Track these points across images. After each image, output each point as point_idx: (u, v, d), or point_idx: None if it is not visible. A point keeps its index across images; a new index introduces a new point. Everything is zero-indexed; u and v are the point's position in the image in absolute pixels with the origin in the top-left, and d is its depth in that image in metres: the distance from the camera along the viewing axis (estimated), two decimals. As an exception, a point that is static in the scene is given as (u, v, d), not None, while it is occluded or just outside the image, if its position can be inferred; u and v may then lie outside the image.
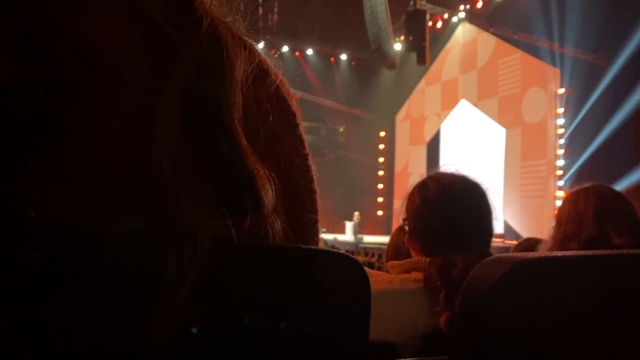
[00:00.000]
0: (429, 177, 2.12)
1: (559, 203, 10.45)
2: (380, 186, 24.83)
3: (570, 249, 2.25)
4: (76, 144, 0.46)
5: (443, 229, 1.99)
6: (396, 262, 2.06)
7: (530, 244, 3.54)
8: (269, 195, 0.54)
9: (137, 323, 0.44)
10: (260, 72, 0.62)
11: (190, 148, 0.51)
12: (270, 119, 0.62)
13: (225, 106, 0.53)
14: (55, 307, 0.42)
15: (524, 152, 16.78)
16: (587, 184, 2.49)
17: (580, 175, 13.90)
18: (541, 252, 0.86)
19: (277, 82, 0.65)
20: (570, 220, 2.35)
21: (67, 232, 0.44)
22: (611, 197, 2.37)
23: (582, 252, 0.87)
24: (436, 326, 1.84)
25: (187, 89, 0.51)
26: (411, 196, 2.10)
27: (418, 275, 1.95)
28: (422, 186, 2.09)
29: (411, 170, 22.49)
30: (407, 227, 2.11)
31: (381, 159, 24.92)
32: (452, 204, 2.00)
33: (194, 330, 0.47)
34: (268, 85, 0.63)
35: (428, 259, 1.96)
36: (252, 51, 0.62)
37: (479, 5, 18.44)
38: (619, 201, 2.38)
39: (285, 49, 22.31)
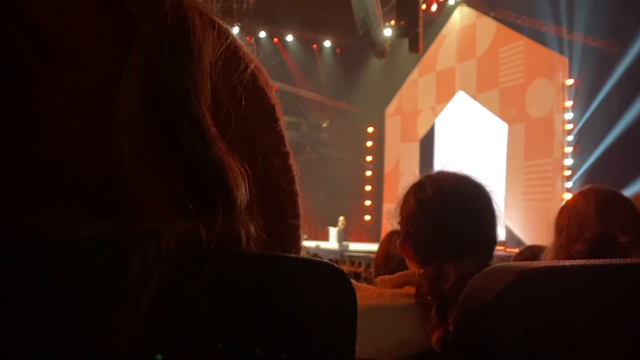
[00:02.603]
0: (427, 177, 2.11)
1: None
2: (368, 188, 24.88)
3: (576, 252, 2.31)
4: (25, 136, 0.45)
5: (438, 235, 1.98)
6: (386, 277, 2.05)
7: (533, 252, 3.57)
8: (241, 190, 0.53)
9: (92, 342, 0.44)
10: (233, 57, 0.61)
11: (153, 137, 0.50)
12: (246, 110, 0.61)
13: (192, 90, 0.52)
14: (4, 323, 0.42)
15: (528, 150, 16.86)
16: (582, 188, 2.57)
17: (590, 176, 13.97)
18: (546, 261, 0.87)
19: (254, 70, 0.64)
20: (572, 223, 2.41)
21: (13, 241, 0.43)
22: (610, 195, 2.46)
23: (590, 261, 0.87)
24: (431, 346, 1.84)
25: (148, 70, 0.50)
26: (406, 197, 2.10)
27: (411, 290, 1.94)
28: (418, 186, 2.09)
29: (402, 170, 22.55)
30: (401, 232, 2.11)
31: (369, 158, 24.98)
32: (449, 207, 1.99)
33: (160, 350, 0.46)
34: (242, 73, 0.62)
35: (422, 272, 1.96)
36: (223, 33, 0.60)
37: (478, -14, 18.53)
38: (619, 198, 2.47)
39: (262, 34, 22.31)
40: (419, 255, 2.02)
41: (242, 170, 0.54)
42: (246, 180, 0.54)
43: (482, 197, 2.04)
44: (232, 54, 0.61)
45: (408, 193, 2.10)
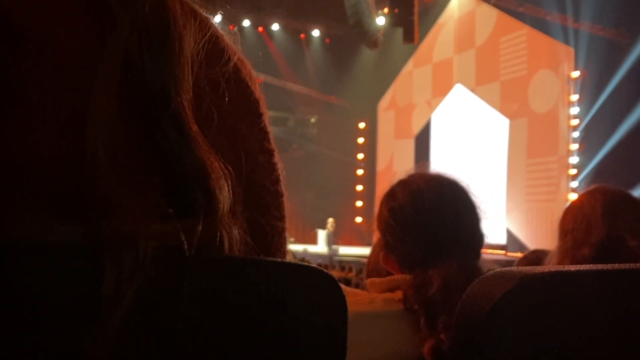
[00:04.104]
0: (398, 183, 2.11)
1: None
2: (359, 188, 24.86)
3: (582, 256, 2.30)
4: None
5: (415, 242, 1.97)
6: (377, 280, 2.05)
7: (538, 256, 3.56)
8: (224, 193, 0.52)
9: (66, 354, 0.43)
10: (214, 49, 0.61)
11: (130, 136, 0.49)
12: (228, 105, 0.60)
13: (173, 85, 0.51)
14: None
15: (530, 147, 16.88)
16: (589, 187, 2.56)
17: (597, 175, 13.99)
18: (550, 266, 0.87)
19: (236, 62, 0.63)
20: (577, 225, 2.40)
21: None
22: (619, 195, 2.45)
23: (597, 266, 0.87)
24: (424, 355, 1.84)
25: (126, 64, 0.50)
26: (380, 207, 2.10)
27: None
28: (390, 194, 2.09)
29: (396, 169, 22.51)
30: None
31: (360, 156, 24.96)
32: (422, 211, 1.98)
33: (138, 360, 0.46)
34: (224, 66, 0.61)
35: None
36: (205, 23, 0.60)
37: (478, -29, 18.54)
38: (628, 199, 2.47)
39: (246, 23, 22.26)
40: (403, 266, 2.01)
41: (225, 170, 0.54)
42: (229, 182, 0.54)
43: (457, 194, 2.04)
44: (214, 46, 0.60)
45: (381, 203, 2.10)
